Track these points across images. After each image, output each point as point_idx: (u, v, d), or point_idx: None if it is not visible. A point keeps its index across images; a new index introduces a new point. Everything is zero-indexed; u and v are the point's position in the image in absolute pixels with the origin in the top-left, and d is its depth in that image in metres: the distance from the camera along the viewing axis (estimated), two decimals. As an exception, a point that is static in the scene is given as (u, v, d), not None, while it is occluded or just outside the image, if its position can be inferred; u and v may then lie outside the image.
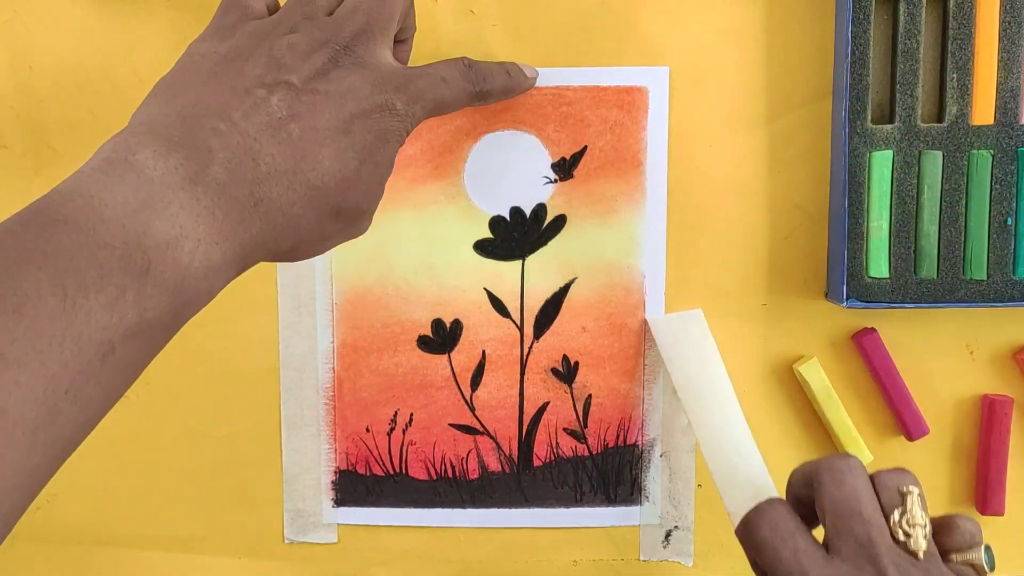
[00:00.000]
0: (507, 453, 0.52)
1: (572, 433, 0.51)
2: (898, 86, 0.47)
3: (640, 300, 0.50)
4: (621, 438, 0.51)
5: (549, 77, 0.49)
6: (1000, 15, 0.46)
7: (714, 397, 0.48)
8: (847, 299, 0.47)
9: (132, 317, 0.29)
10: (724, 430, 0.47)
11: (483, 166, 0.50)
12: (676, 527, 0.52)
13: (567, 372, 0.51)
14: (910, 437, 0.50)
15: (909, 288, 0.47)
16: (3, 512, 0.27)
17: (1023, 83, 0.46)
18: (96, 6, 0.49)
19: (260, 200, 0.33)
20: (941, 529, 0.39)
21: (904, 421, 0.50)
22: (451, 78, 0.40)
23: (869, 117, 0.46)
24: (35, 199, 0.30)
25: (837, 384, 0.50)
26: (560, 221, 0.50)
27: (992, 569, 0.40)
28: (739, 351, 0.51)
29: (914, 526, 0.37)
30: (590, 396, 0.51)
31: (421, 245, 0.50)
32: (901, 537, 0.37)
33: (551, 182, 0.50)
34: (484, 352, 0.51)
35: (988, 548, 0.40)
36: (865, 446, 0.50)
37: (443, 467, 0.52)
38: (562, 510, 0.52)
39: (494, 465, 0.52)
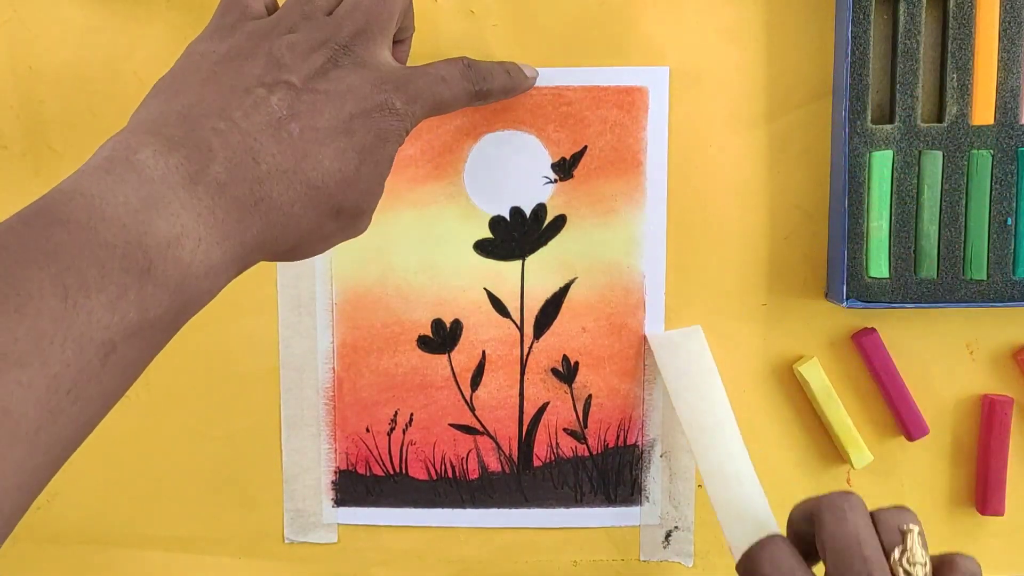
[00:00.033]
0: (507, 453, 0.52)
1: (572, 433, 0.51)
2: (898, 86, 0.47)
3: (640, 300, 0.50)
4: (621, 438, 0.51)
5: (549, 77, 0.49)
6: (1000, 15, 0.46)
7: (714, 422, 0.48)
8: (847, 299, 0.47)
9: (133, 316, 0.29)
10: (725, 459, 0.48)
11: (483, 166, 0.50)
12: (676, 527, 0.52)
13: (567, 372, 0.51)
14: (910, 437, 0.50)
15: (909, 288, 0.47)
16: (5, 512, 0.27)
17: (1023, 83, 0.46)
18: (96, 6, 0.49)
19: (260, 199, 0.33)
20: (941, 567, 0.39)
21: (904, 421, 0.50)
22: (451, 77, 0.40)
23: (869, 117, 0.46)
24: (35, 198, 0.30)
25: (837, 384, 0.50)
26: (560, 221, 0.50)
27: None
28: (739, 351, 0.51)
29: (914, 564, 0.37)
30: (590, 396, 0.51)
31: (421, 245, 0.50)
32: (901, 575, 0.37)
33: (551, 182, 0.50)
34: (484, 352, 0.51)
35: None
36: (865, 446, 0.50)
37: (443, 467, 0.52)
38: (562, 510, 0.52)
39: (494, 465, 0.52)
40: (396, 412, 0.52)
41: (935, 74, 0.47)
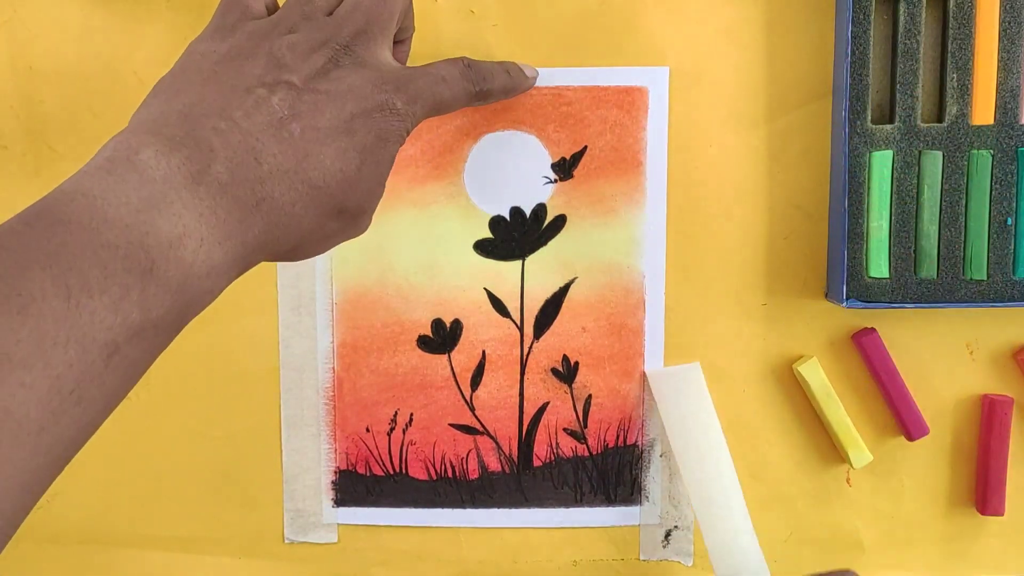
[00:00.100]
0: (507, 453, 0.52)
1: (572, 433, 0.51)
2: (898, 86, 0.47)
3: (640, 300, 0.50)
4: (621, 438, 0.51)
5: (549, 77, 0.49)
6: (1000, 15, 0.46)
7: (710, 461, 0.49)
8: (847, 299, 0.47)
9: (136, 317, 0.29)
10: (720, 499, 0.49)
11: (483, 166, 0.50)
12: (676, 527, 0.52)
13: (567, 372, 0.51)
14: (910, 437, 0.50)
15: (909, 288, 0.47)
16: (8, 514, 0.27)
17: (1023, 83, 0.46)
18: (96, 6, 0.49)
19: (262, 199, 0.33)
20: None
21: (904, 421, 0.50)
22: (451, 78, 0.40)
23: (869, 117, 0.46)
24: (37, 199, 0.30)
25: (837, 384, 0.50)
26: (560, 221, 0.50)
27: None
28: (739, 351, 0.51)
29: None
30: (590, 396, 0.51)
31: (421, 245, 0.50)
32: None
33: (551, 182, 0.50)
34: (484, 352, 0.51)
35: None
36: (865, 446, 0.50)
37: (443, 467, 0.52)
38: (562, 510, 0.52)
39: (494, 465, 0.52)
40: (396, 412, 0.52)
41: (935, 74, 0.47)
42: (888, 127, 0.47)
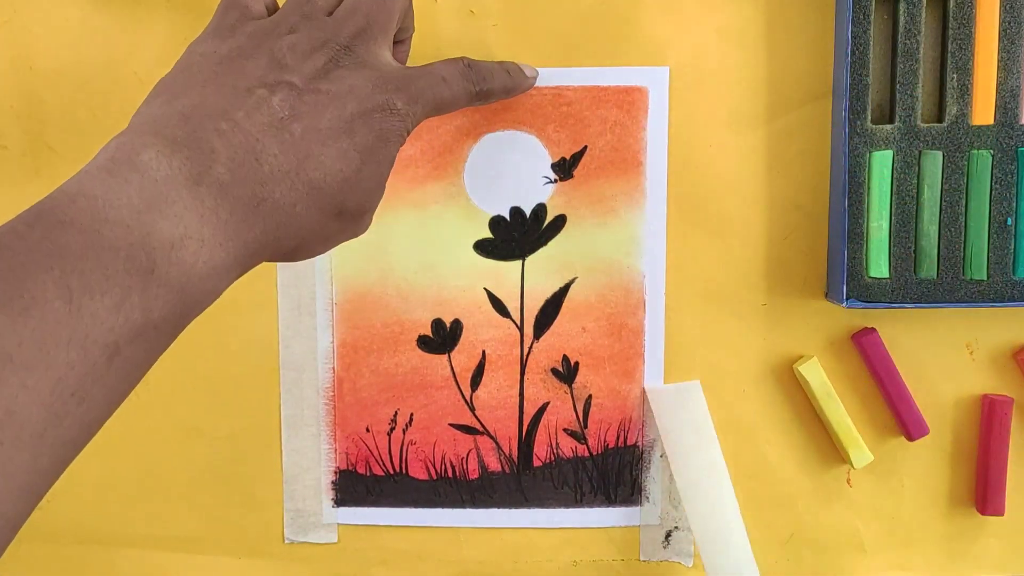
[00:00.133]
0: (507, 453, 0.52)
1: (572, 433, 0.51)
2: (898, 86, 0.47)
3: (640, 300, 0.50)
4: (621, 439, 0.51)
5: (549, 77, 0.49)
6: (1000, 15, 0.46)
7: (708, 480, 0.50)
8: (847, 299, 0.47)
9: (137, 318, 0.29)
10: (718, 518, 0.49)
11: (483, 166, 0.50)
12: (676, 527, 0.52)
13: (567, 372, 0.51)
14: (910, 437, 0.50)
15: (909, 288, 0.47)
16: (10, 516, 0.27)
17: (1023, 83, 0.46)
18: (96, 6, 0.49)
19: (263, 200, 0.33)
20: None
21: (904, 421, 0.50)
22: (451, 78, 0.40)
23: (869, 117, 0.46)
24: (37, 199, 0.30)
25: (837, 384, 0.50)
26: (560, 221, 0.50)
27: None
28: (739, 351, 0.51)
29: None
30: (590, 396, 0.51)
31: (421, 245, 0.50)
32: None
33: (551, 182, 0.50)
34: (484, 352, 0.51)
35: None
36: (865, 446, 0.50)
37: (443, 467, 0.52)
38: (562, 510, 0.52)
39: (494, 465, 0.52)
40: (396, 412, 0.52)
41: (935, 74, 0.47)
42: (888, 127, 0.47)
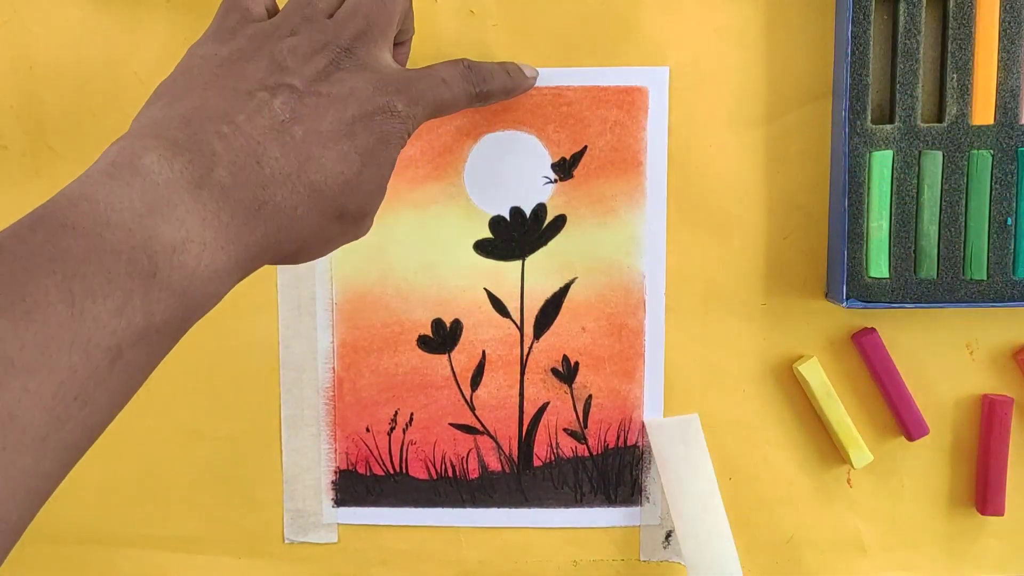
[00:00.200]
0: (507, 453, 0.52)
1: (572, 434, 0.51)
2: (898, 86, 0.47)
3: (640, 300, 0.50)
4: (621, 439, 0.51)
5: (549, 77, 0.49)
6: (1000, 15, 0.46)
7: (704, 513, 0.50)
8: (847, 299, 0.47)
9: (139, 322, 0.29)
10: (711, 551, 0.49)
11: (483, 166, 0.50)
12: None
13: (567, 372, 0.51)
14: (910, 437, 0.50)
15: (909, 288, 0.47)
16: (13, 519, 0.27)
17: (1023, 83, 0.46)
18: (96, 6, 0.49)
19: (264, 203, 0.33)
20: None
21: (904, 421, 0.50)
22: (451, 79, 0.40)
23: (869, 117, 0.46)
24: (37, 200, 0.30)
25: (837, 384, 0.50)
26: (560, 221, 0.50)
27: None
28: (739, 351, 0.51)
29: None
30: (590, 396, 0.51)
31: (421, 245, 0.50)
32: None
33: (551, 182, 0.50)
34: (484, 352, 0.51)
35: None
36: (865, 446, 0.50)
37: (443, 467, 0.52)
38: (562, 510, 0.52)
39: (494, 465, 0.52)
40: (396, 412, 0.52)
41: (935, 74, 0.47)
42: (888, 127, 0.47)
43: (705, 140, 0.49)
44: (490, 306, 0.51)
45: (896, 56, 0.47)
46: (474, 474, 0.52)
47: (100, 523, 0.53)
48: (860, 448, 0.50)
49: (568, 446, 0.51)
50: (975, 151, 0.47)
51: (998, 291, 0.47)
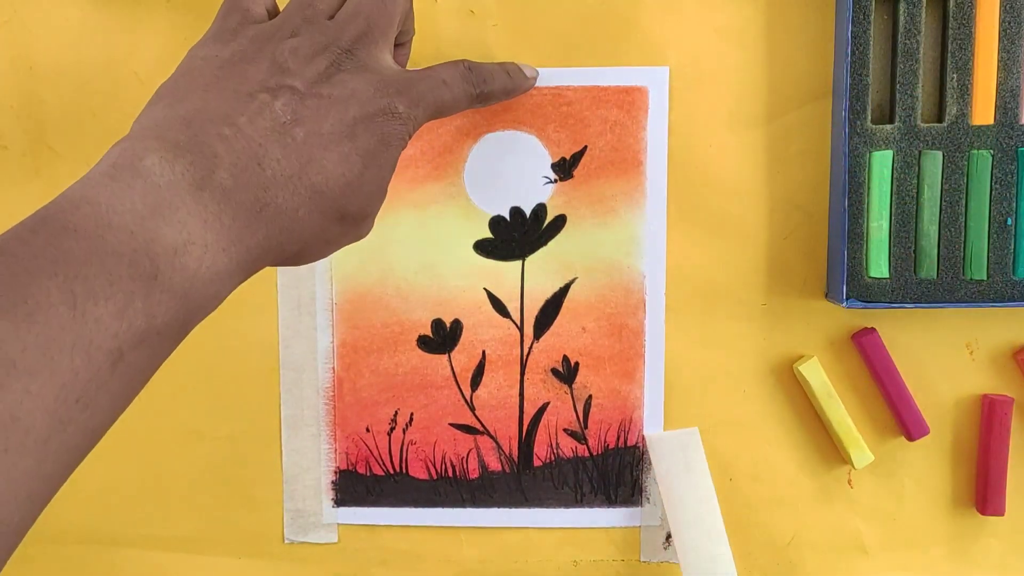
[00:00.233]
0: (507, 453, 0.52)
1: (572, 434, 0.51)
2: (898, 86, 0.47)
3: (640, 300, 0.50)
4: (622, 439, 0.51)
5: (549, 77, 0.49)
6: (1000, 15, 0.46)
7: (703, 527, 0.50)
8: (847, 299, 0.47)
9: (141, 324, 0.29)
10: (710, 564, 0.49)
11: (483, 166, 0.50)
12: (676, 527, 0.52)
13: (567, 372, 0.51)
14: (910, 437, 0.50)
15: (909, 288, 0.47)
16: (15, 522, 0.27)
17: (1023, 83, 0.46)
18: (96, 6, 0.49)
19: (266, 205, 0.33)
20: None
21: (904, 421, 0.50)
22: (452, 80, 0.40)
23: (869, 117, 0.46)
24: (37, 200, 0.30)
25: (837, 384, 0.50)
26: (560, 221, 0.50)
27: None
28: (739, 351, 0.51)
29: None
30: (590, 397, 0.51)
31: (421, 245, 0.50)
32: None
33: (551, 182, 0.50)
34: (484, 352, 0.51)
35: None
36: (866, 446, 0.50)
37: (443, 467, 0.52)
38: (562, 510, 0.52)
39: (494, 465, 0.52)
40: (396, 412, 0.52)
41: (935, 74, 0.47)
42: (888, 127, 0.47)
43: (705, 140, 0.49)
44: (490, 306, 0.51)
45: (896, 56, 0.46)
46: (474, 474, 0.52)
47: (100, 523, 0.53)
48: (861, 448, 0.50)
49: (568, 446, 0.51)
50: (975, 151, 0.47)
51: (998, 291, 0.47)
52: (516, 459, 0.52)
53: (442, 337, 0.51)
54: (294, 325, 0.51)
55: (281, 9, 0.40)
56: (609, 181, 0.50)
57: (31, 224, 0.29)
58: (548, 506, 0.52)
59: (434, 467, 0.52)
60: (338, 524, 0.52)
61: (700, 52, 0.49)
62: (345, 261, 0.51)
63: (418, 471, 0.52)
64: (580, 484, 0.52)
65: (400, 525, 0.52)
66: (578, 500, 0.52)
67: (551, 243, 0.50)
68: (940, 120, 0.47)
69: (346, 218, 0.36)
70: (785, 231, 0.50)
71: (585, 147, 0.49)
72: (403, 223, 0.50)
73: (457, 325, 0.51)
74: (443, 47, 0.49)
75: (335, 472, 0.52)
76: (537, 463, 0.52)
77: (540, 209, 0.50)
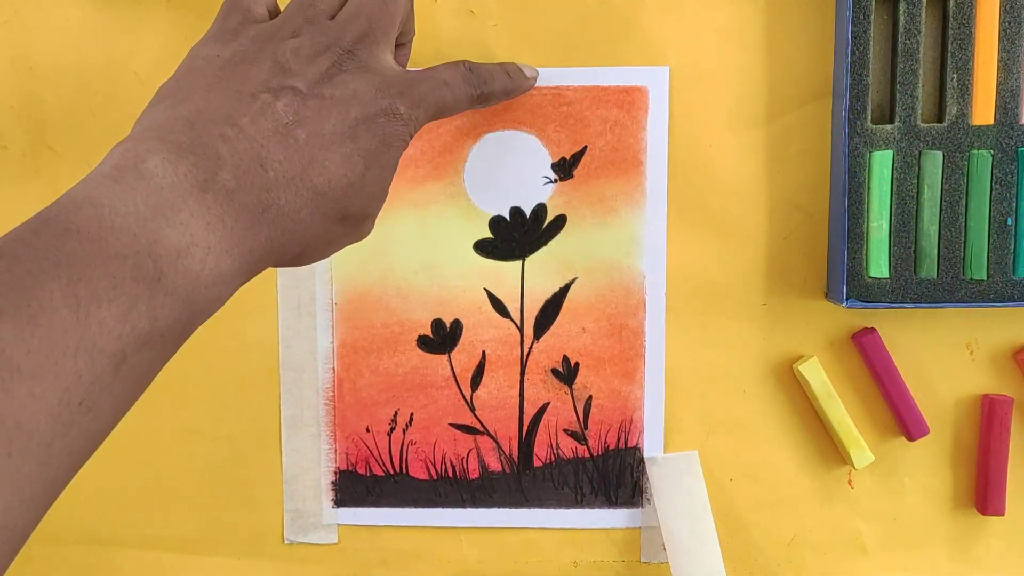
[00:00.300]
0: (507, 453, 0.52)
1: (572, 434, 0.51)
2: (898, 86, 0.47)
3: (640, 300, 0.50)
4: (622, 440, 0.51)
5: (549, 77, 0.49)
6: (1000, 15, 0.46)
7: (700, 551, 0.50)
8: (847, 299, 0.47)
9: (144, 326, 0.29)
10: None
11: (483, 166, 0.50)
12: (676, 527, 0.52)
13: (567, 373, 0.51)
14: (910, 437, 0.50)
15: (909, 288, 0.47)
16: (19, 525, 0.27)
17: (1023, 83, 0.46)
18: (96, 6, 0.49)
19: (268, 206, 0.33)
20: None
21: (904, 421, 0.50)
22: (453, 81, 0.40)
23: (869, 117, 0.46)
24: (37, 200, 0.30)
25: (837, 384, 0.50)
26: (560, 221, 0.50)
27: None
28: (739, 351, 0.51)
29: None
30: (590, 397, 0.51)
31: (421, 245, 0.50)
32: None
33: (551, 182, 0.50)
34: (484, 352, 0.51)
35: None
36: (866, 446, 0.50)
37: (443, 467, 0.52)
38: (562, 511, 0.52)
39: (494, 465, 0.52)
40: (396, 412, 0.52)
41: (935, 74, 0.47)
42: (888, 127, 0.47)
43: (705, 140, 0.49)
44: (490, 306, 0.51)
45: (896, 56, 0.47)
46: (474, 474, 0.52)
47: (100, 523, 0.53)
48: (861, 448, 0.50)
49: (568, 447, 0.51)
50: (975, 151, 0.47)
51: (998, 291, 0.47)
52: (516, 459, 0.52)
53: (442, 337, 0.51)
54: (294, 325, 0.51)
55: (282, 9, 0.40)
56: (609, 181, 0.50)
57: (33, 226, 0.29)
58: (548, 507, 0.52)
59: (434, 467, 0.52)
60: (338, 524, 0.52)
61: (700, 52, 0.49)
62: (345, 261, 0.51)
63: (418, 471, 0.52)
64: (580, 485, 0.52)
65: (400, 525, 0.52)
66: (578, 501, 0.52)
67: (551, 243, 0.50)
68: (940, 120, 0.47)
69: (348, 219, 0.36)
70: (785, 231, 0.50)
71: (585, 147, 0.49)
72: (403, 223, 0.50)
73: (457, 325, 0.51)
74: (443, 47, 0.49)
75: (335, 472, 0.52)
76: (537, 463, 0.52)
77: (540, 209, 0.50)
